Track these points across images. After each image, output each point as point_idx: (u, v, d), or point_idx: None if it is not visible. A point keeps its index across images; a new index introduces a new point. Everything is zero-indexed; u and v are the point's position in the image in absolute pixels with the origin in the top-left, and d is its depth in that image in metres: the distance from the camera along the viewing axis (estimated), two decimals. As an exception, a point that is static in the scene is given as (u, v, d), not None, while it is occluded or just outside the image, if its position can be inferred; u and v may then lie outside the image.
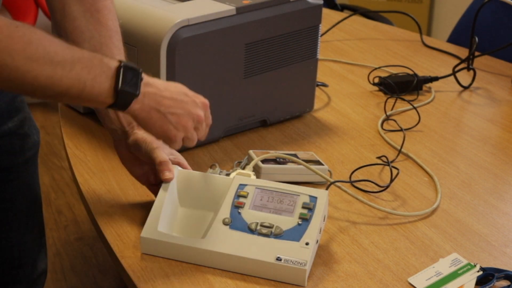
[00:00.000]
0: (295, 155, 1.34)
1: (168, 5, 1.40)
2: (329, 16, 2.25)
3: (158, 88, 1.08)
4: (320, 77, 1.76)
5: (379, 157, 1.44)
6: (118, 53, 1.21)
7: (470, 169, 1.43)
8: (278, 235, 1.10)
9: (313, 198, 1.14)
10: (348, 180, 1.35)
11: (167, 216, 1.14)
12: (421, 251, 1.17)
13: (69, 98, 1.02)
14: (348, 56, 1.98)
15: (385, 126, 1.58)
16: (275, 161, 1.33)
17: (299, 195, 1.14)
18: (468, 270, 1.12)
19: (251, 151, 1.36)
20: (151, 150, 1.16)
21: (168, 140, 1.11)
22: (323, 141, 1.51)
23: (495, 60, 1.97)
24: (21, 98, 1.39)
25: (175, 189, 1.18)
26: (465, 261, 1.14)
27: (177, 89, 1.11)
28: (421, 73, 1.83)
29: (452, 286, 1.08)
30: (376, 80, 1.78)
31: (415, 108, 1.62)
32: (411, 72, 1.77)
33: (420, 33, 2.11)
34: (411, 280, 1.10)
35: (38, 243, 1.49)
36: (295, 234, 1.09)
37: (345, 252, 1.16)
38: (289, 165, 1.32)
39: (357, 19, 2.30)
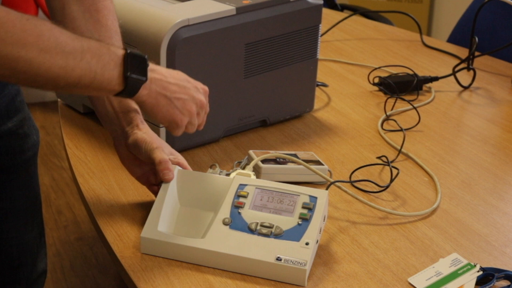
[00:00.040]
0: (295, 155, 1.34)
1: (168, 5, 1.40)
2: (329, 16, 2.25)
3: (163, 74, 1.11)
4: (320, 77, 1.76)
5: (379, 157, 1.44)
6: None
7: (470, 169, 1.43)
8: (278, 235, 1.10)
9: (313, 198, 1.14)
10: (348, 180, 1.35)
11: (167, 216, 1.14)
12: (421, 251, 1.17)
13: (80, 87, 1.03)
14: (348, 56, 1.98)
15: (385, 126, 1.58)
16: (275, 161, 1.33)
17: (299, 195, 1.14)
18: (468, 270, 1.12)
19: (251, 151, 1.36)
20: (151, 150, 1.16)
21: (174, 125, 1.14)
22: (323, 141, 1.51)
23: (495, 60, 1.97)
24: (21, 98, 1.39)
25: (175, 189, 1.18)
26: (465, 261, 1.14)
27: (179, 75, 1.13)
28: (421, 73, 1.83)
29: (452, 286, 1.08)
30: (376, 80, 1.78)
31: (415, 108, 1.62)
32: (411, 72, 1.77)
33: (420, 33, 2.11)
34: (411, 280, 1.10)
35: (38, 243, 1.49)
36: (295, 234, 1.09)
37: (345, 252, 1.16)
38: (289, 165, 1.32)
39: (357, 19, 2.30)
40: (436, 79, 1.79)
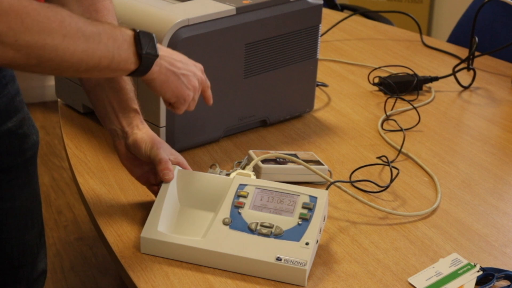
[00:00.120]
0: (295, 155, 1.34)
1: (168, 5, 1.40)
2: (329, 16, 2.25)
3: (167, 51, 1.14)
4: (320, 77, 1.76)
5: (379, 157, 1.44)
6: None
7: (470, 169, 1.43)
8: (278, 235, 1.10)
9: (313, 198, 1.14)
10: (348, 180, 1.35)
11: (167, 216, 1.14)
12: (421, 251, 1.17)
13: (99, 70, 1.05)
14: (348, 56, 1.98)
15: (385, 126, 1.58)
16: (275, 161, 1.33)
17: (299, 195, 1.14)
18: (468, 270, 1.12)
19: (251, 151, 1.36)
20: (151, 150, 1.16)
21: (182, 100, 1.17)
22: (323, 141, 1.51)
23: (495, 60, 1.97)
24: (20, 98, 1.39)
25: (175, 189, 1.18)
26: (465, 261, 1.14)
27: (178, 53, 1.17)
28: (421, 73, 1.83)
29: (452, 286, 1.08)
30: (376, 80, 1.78)
31: (415, 108, 1.62)
32: (411, 72, 1.77)
33: (420, 33, 2.11)
34: (411, 280, 1.10)
35: (38, 243, 1.49)
36: (295, 234, 1.09)
37: (345, 252, 1.16)
38: (289, 165, 1.32)
39: (357, 19, 2.30)
40: (436, 79, 1.79)
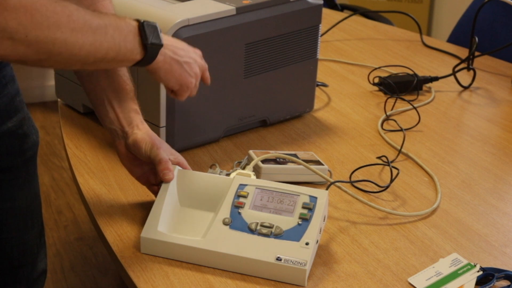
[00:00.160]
0: (295, 155, 1.34)
1: (168, 5, 1.40)
2: (329, 16, 2.25)
3: (170, 39, 1.16)
4: (320, 77, 1.76)
5: (379, 157, 1.44)
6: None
7: (470, 169, 1.43)
8: (278, 235, 1.10)
9: (313, 198, 1.14)
10: (348, 180, 1.35)
11: (167, 216, 1.14)
12: (421, 251, 1.17)
13: (106, 61, 1.07)
14: (348, 56, 1.98)
15: (385, 126, 1.58)
16: (275, 161, 1.33)
17: (299, 195, 1.14)
18: (468, 270, 1.12)
19: (251, 151, 1.36)
20: (151, 150, 1.16)
21: (185, 88, 1.19)
22: (323, 141, 1.51)
23: (495, 60, 1.97)
24: (20, 98, 1.39)
25: (175, 189, 1.18)
26: (465, 261, 1.14)
27: (178, 41, 1.19)
28: (421, 73, 1.83)
29: (452, 286, 1.08)
30: (376, 80, 1.78)
31: (415, 108, 1.62)
32: (411, 72, 1.77)
33: (420, 33, 2.11)
34: (411, 280, 1.10)
35: (38, 243, 1.49)
36: (295, 234, 1.09)
37: (345, 252, 1.16)
38: (289, 165, 1.32)
39: (357, 19, 2.30)
40: (436, 79, 1.79)
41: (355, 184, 1.34)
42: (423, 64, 1.94)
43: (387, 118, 1.61)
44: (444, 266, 1.13)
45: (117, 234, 1.17)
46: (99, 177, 1.34)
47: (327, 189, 1.26)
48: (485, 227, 1.24)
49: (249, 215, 1.12)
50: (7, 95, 1.34)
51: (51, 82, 3.43)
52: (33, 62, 1.00)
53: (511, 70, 1.91)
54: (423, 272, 1.12)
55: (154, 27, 1.10)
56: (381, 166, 1.41)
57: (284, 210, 1.13)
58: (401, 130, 1.53)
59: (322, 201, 1.13)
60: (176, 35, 1.31)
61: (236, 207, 1.13)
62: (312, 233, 1.09)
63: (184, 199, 1.18)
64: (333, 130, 1.56)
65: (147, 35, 1.09)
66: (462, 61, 1.84)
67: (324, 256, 1.14)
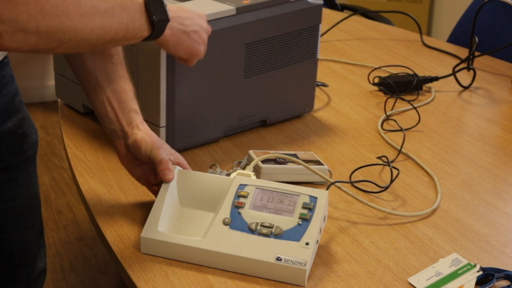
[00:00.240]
0: (295, 155, 1.34)
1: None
2: (329, 16, 2.25)
3: (175, 10, 1.17)
4: (320, 77, 1.76)
5: (379, 157, 1.44)
6: (116, 53, 1.21)
7: (470, 169, 1.43)
8: (278, 235, 1.10)
9: (313, 198, 1.14)
10: (348, 180, 1.35)
11: (167, 216, 1.14)
12: (421, 251, 1.17)
13: (115, 42, 1.09)
14: (348, 56, 1.98)
15: (385, 126, 1.58)
16: (275, 161, 1.33)
17: (299, 195, 1.14)
18: (468, 270, 1.12)
19: (251, 151, 1.36)
20: (151, 150, 1.16)
21: (194, 56, 1.23)
22: (323, 141, 1.51)
23: (495, 60, 1.97)
24: (20, 98, 1.39)
25: (175, 189, 1.18)
26: (465, 261, 1.14)
27: (183, 9, 1.20)
28: (421, 73, 1.83)
29: (452, 286, 1.08)
30: (376, 80, 1.78)
31: (415, 108, 1.62)
32: (411, 72, 1.77)
33: (420, 33, 2.11)
34: (411, 280, 1.10)
35: (37, 243, 1.49)
36: (295, 234, 1.09)
37: (345, 252, 1.16)
38: (289, 165, 1.32)
39: (357, 19, 2.30)
40: (436, 79, 1.79)
41: (355, 184, 1.34)
42: (423, 64, 1.94)
43: (387, 118, 1.61)
44: (444, 266, 1.13)
45: (117, 234, 1.17)
46: (99, 177, 1.34)
47: (327, 189, 1.26)
48: (485, 227, 1.24)
49: (249, 215, 1.12)
50: (7, 95, 1.34)
51: (51, 82, 3.43)
52: (45, 51, 1.02)
53: (511, 70, 1.91)
54: (423, 272, 1.12)
55: (160, 3, 1.11)
56: (381, 166, 1.41)
57: (284, 210, 1.13)
58: (401, 130, 1.53)
59: (322, 201, 1.13)
60: (176, 35, 1.31)
61: (236, 207, 1.13)
62: (312, 233, 1.09)
63: (184, 199, 1.18)
64: (333, 130, 1.56)
65: (154, 12, 1.10)
66: (462, 61, 1.84)
67: (324, 256, 1.14)
